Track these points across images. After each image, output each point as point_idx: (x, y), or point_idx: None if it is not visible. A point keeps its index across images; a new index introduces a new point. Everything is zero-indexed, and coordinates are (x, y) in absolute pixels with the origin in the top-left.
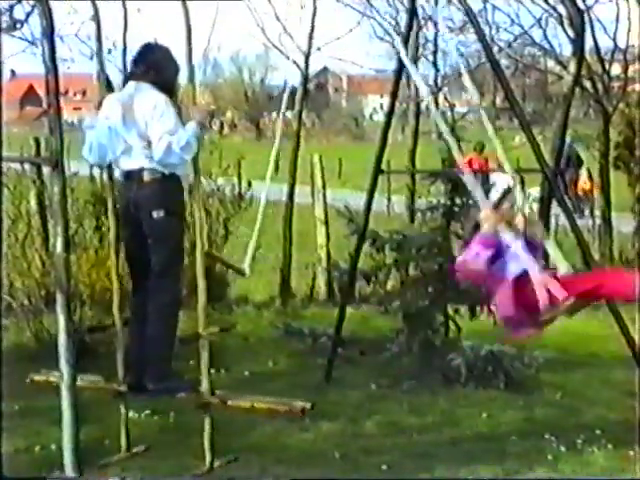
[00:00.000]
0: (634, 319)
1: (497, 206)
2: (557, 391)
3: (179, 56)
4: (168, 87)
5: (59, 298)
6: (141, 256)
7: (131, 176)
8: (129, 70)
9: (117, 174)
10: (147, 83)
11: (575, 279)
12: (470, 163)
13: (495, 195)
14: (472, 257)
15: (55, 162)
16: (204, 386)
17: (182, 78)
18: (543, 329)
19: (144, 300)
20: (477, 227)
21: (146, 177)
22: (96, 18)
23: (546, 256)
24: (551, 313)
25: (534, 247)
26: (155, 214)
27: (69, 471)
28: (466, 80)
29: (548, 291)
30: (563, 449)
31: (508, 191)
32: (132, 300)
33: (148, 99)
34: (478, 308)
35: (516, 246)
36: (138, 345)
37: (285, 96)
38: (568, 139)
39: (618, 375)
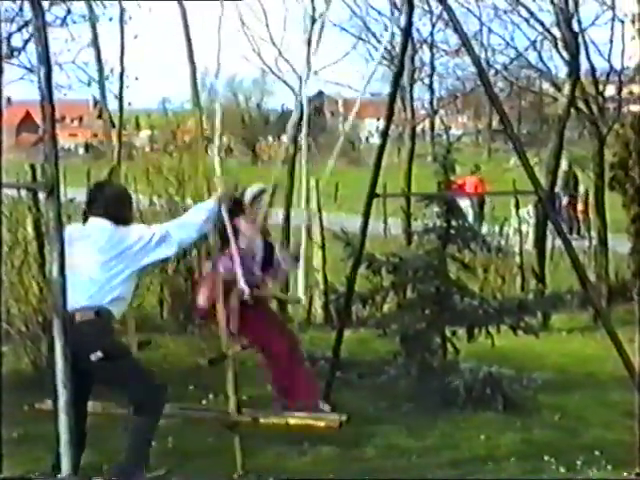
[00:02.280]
0: (631, 340)
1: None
2: (555, 412)
3: (184, 79)
4: (126, 222)
5: (56, 323)
6: (78, 390)
7: None
8: (86, 207)
9: None
10: (104, 219)
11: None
12: (464, 185)
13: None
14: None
15: (50, 188)
16: (231, 405)
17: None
18: None
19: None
20: None
21: (78, 317)
22: (95, 43)
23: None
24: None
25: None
26: (93, 357)
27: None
28: None
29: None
30: (562, 470)
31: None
32: None
33: (114, 233)
34: (476, 330)
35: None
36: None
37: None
38: (566, 161)
39: (616, 396)
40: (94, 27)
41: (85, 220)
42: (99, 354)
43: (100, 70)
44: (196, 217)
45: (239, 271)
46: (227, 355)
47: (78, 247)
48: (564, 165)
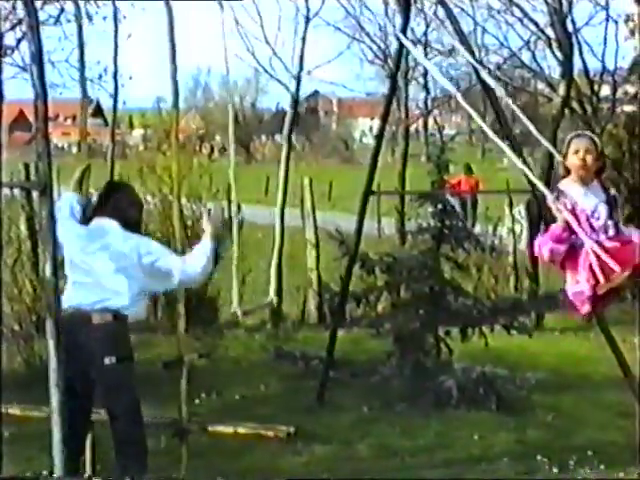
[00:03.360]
0: (625, 340)
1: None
2: (549, 412)
3: (178, 78)
4: (135, 224)
5: (49, 323)
6: (83, 395)
7: (78, 315)
8: (95, 206)
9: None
10: (116, 221)
11: (632, 251)
12: (459, 184)
13: None
14: (548, 253)
15: (43, 186)
16: (182, 413)
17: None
18: (602, 307)
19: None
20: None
21: (96, 319)
22: (80, 43)
23: None
24: (607, 287)
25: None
26: (107, 360)
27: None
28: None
29: (602, 265)
30: (555, 470)
31: None
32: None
33: (131, 241)
34: (470, 330)
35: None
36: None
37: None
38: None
39: (610, 396)
40: (80, 26)
41: (89, 220)
42: (113, 359)
43: (82, 69)
44: (199, 262)
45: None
46: (183, 360)
47: (92, 248)
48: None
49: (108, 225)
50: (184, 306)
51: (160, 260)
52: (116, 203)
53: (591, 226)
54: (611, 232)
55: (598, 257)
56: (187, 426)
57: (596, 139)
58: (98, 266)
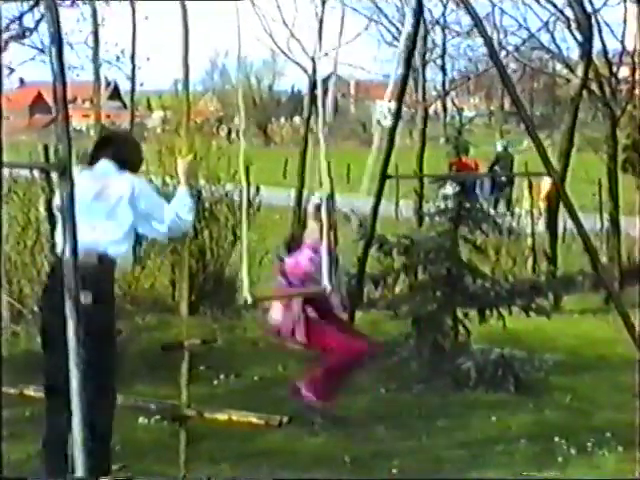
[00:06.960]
0: None
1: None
2: (567, 394)
3: (196, 60)
4: (131, 167)
5: (68, 304)
6: (60, 338)
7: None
8: (96, 149)
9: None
10: (118, 164)
11: (325, 330)
12: (464, 165)
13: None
14: (305, 260)
15: (63, 168)
16: (182, 398)
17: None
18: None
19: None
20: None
21: (81, 257)
22: (94, 25)
23: None
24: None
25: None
26: (82, 297)
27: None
28: None
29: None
30: (573, 452)
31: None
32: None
33: (125, 180)
34: (487, 312)
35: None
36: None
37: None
38: (501, 145)
39: (627, 378)
40: (94, 10)
41: (92, 163)
42: (89, 297)
43: (96, 52)
44: (185, 214)
45: (325, 269)
46: (183, 345)
47: (90, 191)
48: (499, 147)
49: (105, 166)
50: (202, 287)
51: (154, 205)
52: (116, 147)
53: None
54: None
55: None
56: (186, 412)
57: None
58: (92, 209)
